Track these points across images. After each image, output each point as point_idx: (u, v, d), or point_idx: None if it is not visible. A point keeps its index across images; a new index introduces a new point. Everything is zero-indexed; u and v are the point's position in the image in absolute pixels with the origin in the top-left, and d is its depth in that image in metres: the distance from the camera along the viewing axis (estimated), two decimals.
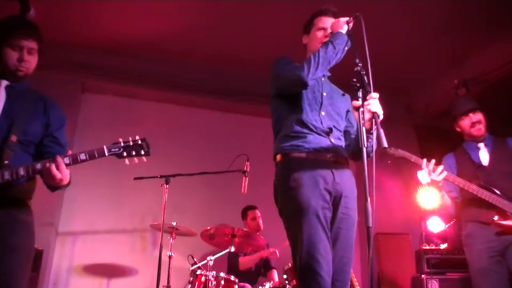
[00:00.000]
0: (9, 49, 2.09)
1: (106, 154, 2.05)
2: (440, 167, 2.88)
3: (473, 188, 2.92)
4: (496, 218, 2.91)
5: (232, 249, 3.74)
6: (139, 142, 2.10)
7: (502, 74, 4.87)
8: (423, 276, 4.13)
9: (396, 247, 5.28)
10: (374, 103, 1.96)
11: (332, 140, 2.23)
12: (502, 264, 2.93)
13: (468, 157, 3.22)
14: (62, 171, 1.94)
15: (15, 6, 2.45)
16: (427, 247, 4.39)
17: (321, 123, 2.24)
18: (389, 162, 2.93)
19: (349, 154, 2.31)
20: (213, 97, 5.53)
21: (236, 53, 5.06)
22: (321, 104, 2.29)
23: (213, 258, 3.67)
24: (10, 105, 2.09)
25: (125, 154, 2.07)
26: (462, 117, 3.25)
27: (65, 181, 2.02)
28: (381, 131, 1.83)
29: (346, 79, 2.32)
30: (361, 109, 1.94)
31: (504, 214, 2.90)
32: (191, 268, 3.70)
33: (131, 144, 2.09)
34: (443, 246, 4.53)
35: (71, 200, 4.88)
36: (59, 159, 1.95)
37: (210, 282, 3.48)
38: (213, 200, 5.21)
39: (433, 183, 2.93)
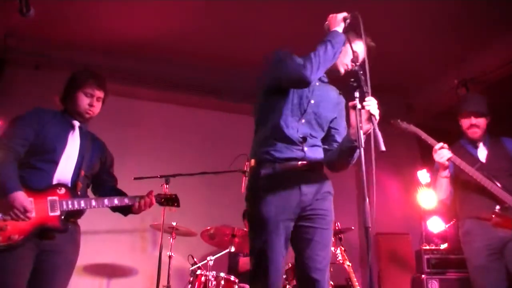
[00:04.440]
0: (82, 95, 2.52)
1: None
2: (445, 151, 3.04)
3: (477, 175, 2.98)
4: (497, 207, 2.94)
5: (232, 249, 3.74)
6: (174, 197, 2.82)
7: (502, 74, 4.86)
8: (423, 276, 4.13)
9: (396, 247, 5.28)
10: (373, 104, 1.93)
11: (305, 149, 2.19)
12: (500, 261, 2.96)
13: (465, 151, 3.29)
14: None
15: (15, 5, 2.44)
16: (427, 247, 4.39)
17: (297, 130, 2.19)
18: (394, 132, 3.11)
19: (326, 162, 2.27)
20: (213, 97, 5.52)
21: (236, 53, 5.05)
22: (305, 111, 2.23)
23: (213, 258, 3.67)
24: (81, 143, 2.52)
25: (163, 201, 2.78)
26: (464, 116, 3.32)
27: None
28: (379, 134, 1.81)
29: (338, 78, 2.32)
30: (358, 108, 1.92)
31: (503, 207, 2.93)
32: (191, 268, 3.71)
33: (168, 197, 2.81)
34: (443, 246, 4.53)
35: None
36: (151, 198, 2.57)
37: (210, 282, 3.49)
38: (213, 200, 5.21)
39: (440, 165, 3.09)
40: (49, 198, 2.29)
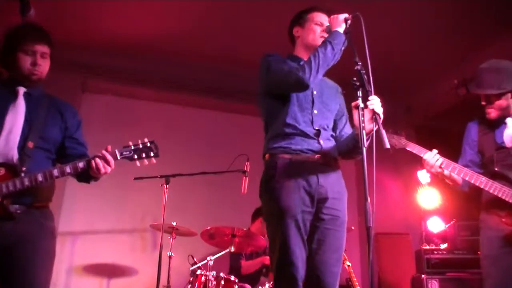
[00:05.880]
0: (22, 54, 2.15)
1: (118, 157, 2.18)
2: (436, 159, 2.63)
3: (481, 181, 2.56)
4: (504, 215, 2.55)
5: (232, 249, 3.74)
6: (148, 144, 2.23)
7: None
8: (423, 276, 4.14)
9: (396, 247, 5.29)
10: (376, 103, 1.95)
11: (321, 142, 2.19)
12: None
13: (490, 130, 2.75)
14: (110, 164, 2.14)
15: (15, 5, 2.44)
16: (427, 247, 4.40)
17: (312, 123, 2.20)
18: (390, 152, 2.78)
19: (338, 152, 2.26)
20: (213, 97, 5.53)
21: (236, 53, 5.05)
22: (313, 102, 2.24)
23: (213, 258, 3.67)
24: (29, 112, 2.16)
25: (135, 156, 2.21)
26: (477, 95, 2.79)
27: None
28: (383, 132, 1.82)
29: (341, 78, 2.32)
30: (361, 107, 1.92)
31: None
32: (191, 268, 3.70)
33: (141, 146, 2.21)
34: (443, 246, 4.54)
35: (71, 200, 4.88)
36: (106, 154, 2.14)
37: (210, 282, 3.48)
38: (213, 200, 5.22)
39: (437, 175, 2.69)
40: None
